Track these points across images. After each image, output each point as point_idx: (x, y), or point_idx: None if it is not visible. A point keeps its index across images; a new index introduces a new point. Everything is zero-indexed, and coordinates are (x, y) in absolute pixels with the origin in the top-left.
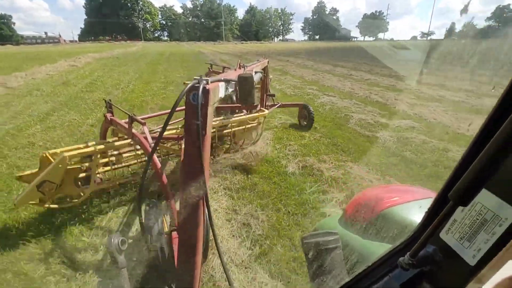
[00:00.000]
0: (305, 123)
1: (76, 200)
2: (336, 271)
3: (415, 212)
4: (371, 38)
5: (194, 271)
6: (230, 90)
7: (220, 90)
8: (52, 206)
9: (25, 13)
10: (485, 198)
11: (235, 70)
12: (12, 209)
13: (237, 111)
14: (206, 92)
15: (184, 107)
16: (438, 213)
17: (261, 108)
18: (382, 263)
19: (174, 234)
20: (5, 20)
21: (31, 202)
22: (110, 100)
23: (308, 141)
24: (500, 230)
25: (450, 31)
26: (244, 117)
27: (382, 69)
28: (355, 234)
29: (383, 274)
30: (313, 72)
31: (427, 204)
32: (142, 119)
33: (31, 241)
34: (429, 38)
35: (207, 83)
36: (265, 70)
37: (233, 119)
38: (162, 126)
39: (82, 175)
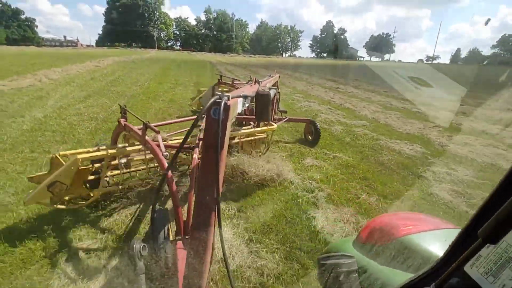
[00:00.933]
0: (311, 138)
1: (84, 202)
2: None
3: (432, 242)
4: (378, 59)
5: (202, 280)
6: (246, 105)
7: (238, 106)
8: (59, 206)
9: (45, 17)
10: (511, 236)
11: (250, 85)
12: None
13: (243, 122)
14: (227, 107)
15: (192, 117)
16: (463, 246)
17: (270, 122)
18: None
19: (179, 243)
20: (29, 23)
21: (40, 201)
22: (125, 106)
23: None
24: None
25: (456, 56)
26: (252, 130)
27: (369, 85)
28: (371, 259)
29: None
30: (305, 84)
31: (445, 235)
32: (156, 126)
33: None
34: (434, 61)
35: (228, 99)
36: (276, 85)
37: (242, 131)
38: (173, 133)
39: (91, 177)
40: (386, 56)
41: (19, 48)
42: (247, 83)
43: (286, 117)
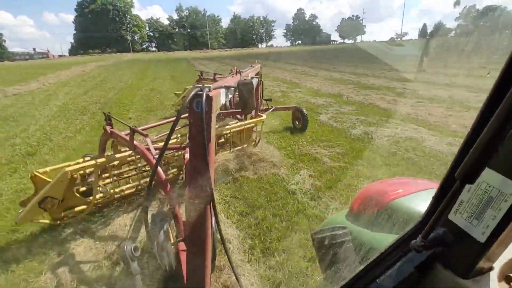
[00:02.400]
0: (299, 125)
1: (77, 215)
2: (348, 262)
3: (420, 202)
4: (351, 41)
5: (204, 280)
6: (230, 96)
7: (221, 97)
8: (52, 222)
9: (10, 30)
10: (489, 177)
11: (232, 76)
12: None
13: (230, 117)
14: (209, 99)
15: (185, 115)
16: (445, 195)
17: (259, 114)
18: (395, 249)
19: (181, 244)
20: None
21: (33, 219)
22: (109, 112)
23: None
24: (506, 206)
25: (423, 32)
26: (242, 123)
27: (320, 64)
28: (363, 228)
29: (396, 259)
30: (268, 68)
31: (431, 193)
32: (143, 129)
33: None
34: (404, 38)
35: (210, 91)
36: (258, 74)
37: (232, 125)
38: (162, 135)
39: (83, 189)
40: (358, 38)
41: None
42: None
43: (273, 107)
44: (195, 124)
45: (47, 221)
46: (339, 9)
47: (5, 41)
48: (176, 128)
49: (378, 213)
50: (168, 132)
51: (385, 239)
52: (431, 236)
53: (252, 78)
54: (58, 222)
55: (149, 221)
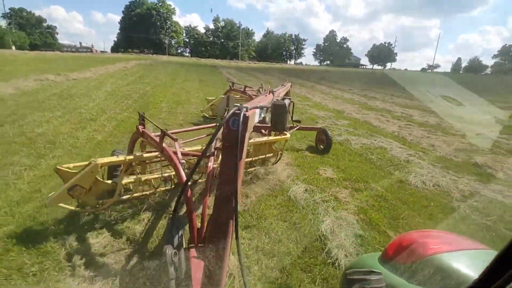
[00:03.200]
0: (322, 147)
1: (101, 206)
2: None
3: (463, 263)
4: (380, 67)
5: (220, 284)
6: (263, 115)
7: (256, 117)
8: (78, 209)
9: (60, 24)
10: None
11: (265, 95)
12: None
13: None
14: (246, 119)
15: (208, 125)
16: (498, 270)
17: (283, 132)
18: None
19: (192, 251)
20: (51, 30)
21: (60, 204)
22: (143, 113)
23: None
24: None
25: (456, 66)
26: (265, 139)
27: (336, 84)
28: (398, 276)
29: None
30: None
31: (477, 256)
32: (173, 133)
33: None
34: (435, 70)
35: (247, 110)
36: (288, 94)
37: (256, 140)
38: (190, 140)
39: (108, 182)
40: (388, 65)
41: (53, 53)
42: (258, 90)
43: (297, 125)
44: (230, 141)
45: (73, 208)
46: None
47: (57, 33)
48: (200, 137)
49: (416, 264)
50: (195, 138)
51: None
52: None
53: (284, 99)
54: (81, 209)
55: (167, 222)
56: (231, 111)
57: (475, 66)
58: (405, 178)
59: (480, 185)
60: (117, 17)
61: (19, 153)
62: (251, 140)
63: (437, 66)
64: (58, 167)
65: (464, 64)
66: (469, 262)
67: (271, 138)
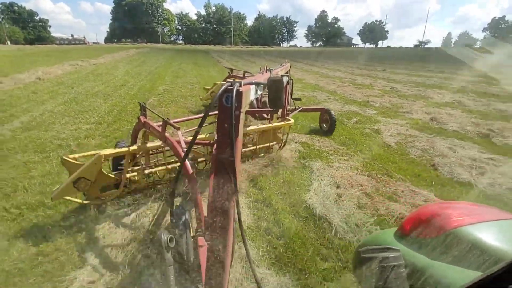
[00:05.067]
0: (326, 127)
1: (107, 198)
2: None
3: (491, 234)
4: (372, 46)
5: (223, 274)
6: (259, 92)
7: (251, 93)
8: (85, 202)
9: (49, 16)
10: None
11: (262, 73)
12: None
13: (256, 115)
14: (239, 94)
15: (215, 112)
16: None
17: (286, 117)
18: None
19: (200, 239)
20: (43, 23)
21: (66, 197)
22: (144, 103)
23: None
24: None
25: (447, 41)
26: (268, 125)
27: (316, 62)
28: (418, 253)
29: None
30: (266, 62)
31: (503, 225)
32: (175, 122)
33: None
34: (425, 46)
35: (240, 86)
36: (288, 73)
37: (260, 127)
38: (192, 129)
39: (112, 175)
40: (380, 43)
41: (51, 46)
42: (264, 70)
43: (300, 107)
44: (224, 118)
45: (79, 201)
46: (369, 12)
47: (50, 26)
48: (205, 125)
49: (438, 238)
50: (201, 124)
51: (447, 269)
52: None
53: (282, 76)
54: (88, 202)
55: (174, 210)
56: (223, 86)
57: (466, 41)
58: (316, 100)
59: (345, 105)
60: (106, 7)
61: (96, 98)
62: (254, 127)
63: (428, 41)
64: (64, 157)
65: (454, 39)
66: (497, 233)
67: (274, 124)
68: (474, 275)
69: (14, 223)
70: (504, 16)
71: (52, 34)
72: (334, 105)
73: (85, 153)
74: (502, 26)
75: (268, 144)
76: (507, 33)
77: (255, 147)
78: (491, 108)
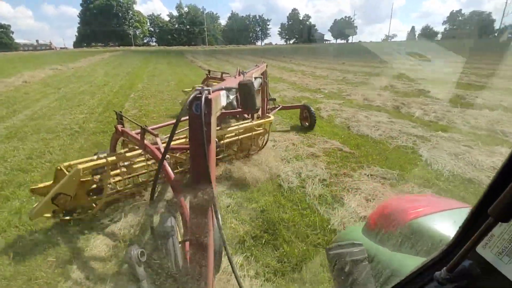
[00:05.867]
0: (307, 124)
1: (90, 211)
2: (364, 283)
3: (442, 224)
4: (343, 41)
5: (207, 279)
6: (232, 97)
7: (222, 99)
8: (66, 218)
9: (9, 21)
10: None
11: (235, 77)
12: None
13: (238, 116)
14: (208, 101)
15: (186, 118)
16: (474, 227)
17: (266, 114)
18: (416, 277)
19: (187, 244)
20: (5, 29)
21: (45, 214)
22: (121, 112)
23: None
24: None
25: (411, 34)
26: (248, 124)
27: (283, 58)
28: (381, 246)
29: None
30: (249, 62)
31: (455, 215)
32: (153, 129)
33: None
34: (392, 40)
35: (209, 93)
36: (264, 74)
37: (240, 126)
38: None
39: (94, 186)
40: (350, 38)
41: (16, 53)
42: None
43: (279, 106)
44: (195, 126)
45: (60, 217)
46: (340, 8)
47: (13, 32)
48: (182, 129)
49: (397, 231)
50: (173, 132)
51: (404, 259)
52: (457, 269)
53: (255, 78)
54: (69, 218)
55: (160, 216)
56: (192, 95)
57: (428, 34)
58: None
59: (299, 92)
60: (71, 9)
61: (84, 95)
62: (235, 127)
63: (394, 35)
64: (60, 166)
65: (417, 32)
66: (448, 222)
67: (255, 122)
68: None
69: (51, 171)
70: (460, 10)
71: (16, 41)
72: (291, 93)
73: (81, 160)
74: (460, 19)
75: (249, 143)
76: (464, 25)
77: (237, 146)
78: (413, 89)
